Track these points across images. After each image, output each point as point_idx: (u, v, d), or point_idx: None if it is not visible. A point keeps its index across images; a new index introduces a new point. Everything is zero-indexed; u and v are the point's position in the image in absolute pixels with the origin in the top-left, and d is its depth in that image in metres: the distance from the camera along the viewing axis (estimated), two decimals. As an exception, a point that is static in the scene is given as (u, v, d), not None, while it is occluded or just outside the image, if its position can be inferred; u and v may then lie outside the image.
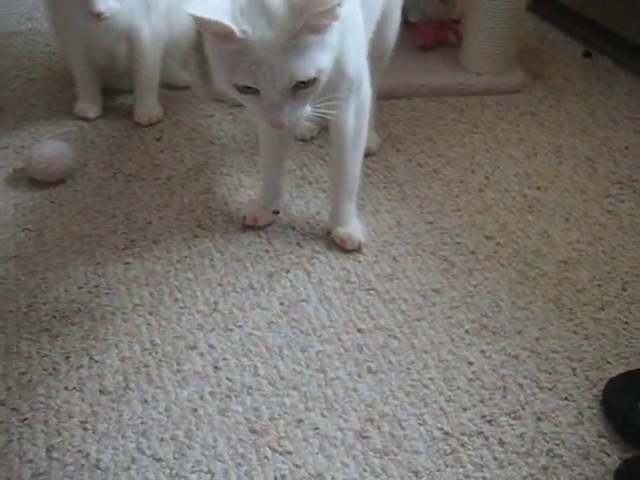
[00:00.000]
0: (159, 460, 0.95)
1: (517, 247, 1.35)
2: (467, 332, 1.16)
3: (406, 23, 1.69)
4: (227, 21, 0.92)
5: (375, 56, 1.44)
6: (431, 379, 1.08)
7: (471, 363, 1.11)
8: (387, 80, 1.59)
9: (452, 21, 2.03)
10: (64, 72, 1.82)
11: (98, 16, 1.44)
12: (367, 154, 1.55)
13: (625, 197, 1.50)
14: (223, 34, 0.93)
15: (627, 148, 1.67)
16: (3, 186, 1.48)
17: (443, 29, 2.00)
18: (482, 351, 1.13)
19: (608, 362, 1.12)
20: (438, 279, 1.27)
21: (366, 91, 1.24)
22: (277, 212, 1.39)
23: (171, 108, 1.75)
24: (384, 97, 1.69)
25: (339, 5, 0.94)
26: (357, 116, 1.24)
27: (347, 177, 1.30)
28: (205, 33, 0.99)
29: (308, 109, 1.04)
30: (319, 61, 0.98)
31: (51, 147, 1.48)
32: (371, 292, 1.24)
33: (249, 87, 0.98)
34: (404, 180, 1.53)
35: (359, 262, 1.30)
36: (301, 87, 0.99)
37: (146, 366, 1.09)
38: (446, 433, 1.00)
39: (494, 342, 1.15)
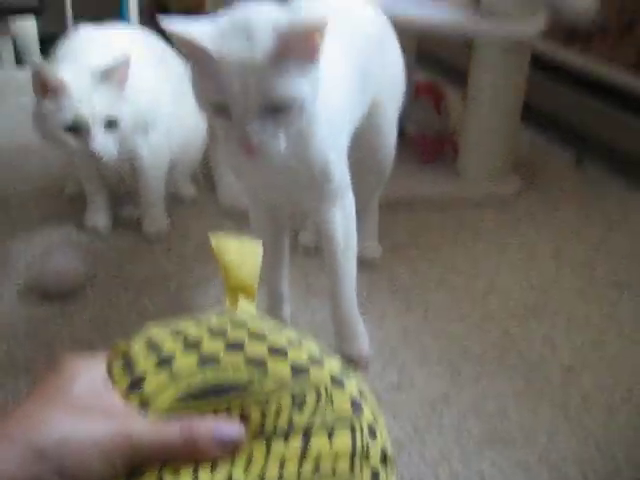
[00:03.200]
0: None
1: (521, 353, 1.37)
2: (476, 442, 1.17)
3: (403, 135, 1.76)
4: (204, 42, 0.94)
5: (373, 171, 1.48)
6: (443, 491, 1.08)
7: (482, 475, 1.11)
8: (387, 191, 1.65)
9: (448, 134, 2.11)
10: (75, 186, 1.89)
11: (95, 155, 1.47)
12: (371, 264, 1.60)
13: (623, 301, 1.54)
14: (200, 55, 0.95)
15: (623, 251, 1.72)
16: (15, 300, 1.51)
17: (440, 143, 2.08)
18: (493, 462, 1.13)
19: (620, 469, 1.12)
20: (445, 386, 1.28)
21: (350, 196, 1.25)
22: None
23: (180, 220, 1.80)
24: (385, 208, 1.74)
25: (322, 30, 0.94)
26: (345, 219, 1.24)
27: (344, 286, 1.29)
28: (185, 55, 0.99)
29: (282, 141, 0.99)
30: (298, 86, 0.96)
31: (63, 260, 1.51)
32: (379, 404, 1.24)
33: (223, 109, 0.97)
34: (409, 288, 1.56)
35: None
36: (275, 110, 0.97)
37: None
38: None
39: (504, 451, 1.15)
